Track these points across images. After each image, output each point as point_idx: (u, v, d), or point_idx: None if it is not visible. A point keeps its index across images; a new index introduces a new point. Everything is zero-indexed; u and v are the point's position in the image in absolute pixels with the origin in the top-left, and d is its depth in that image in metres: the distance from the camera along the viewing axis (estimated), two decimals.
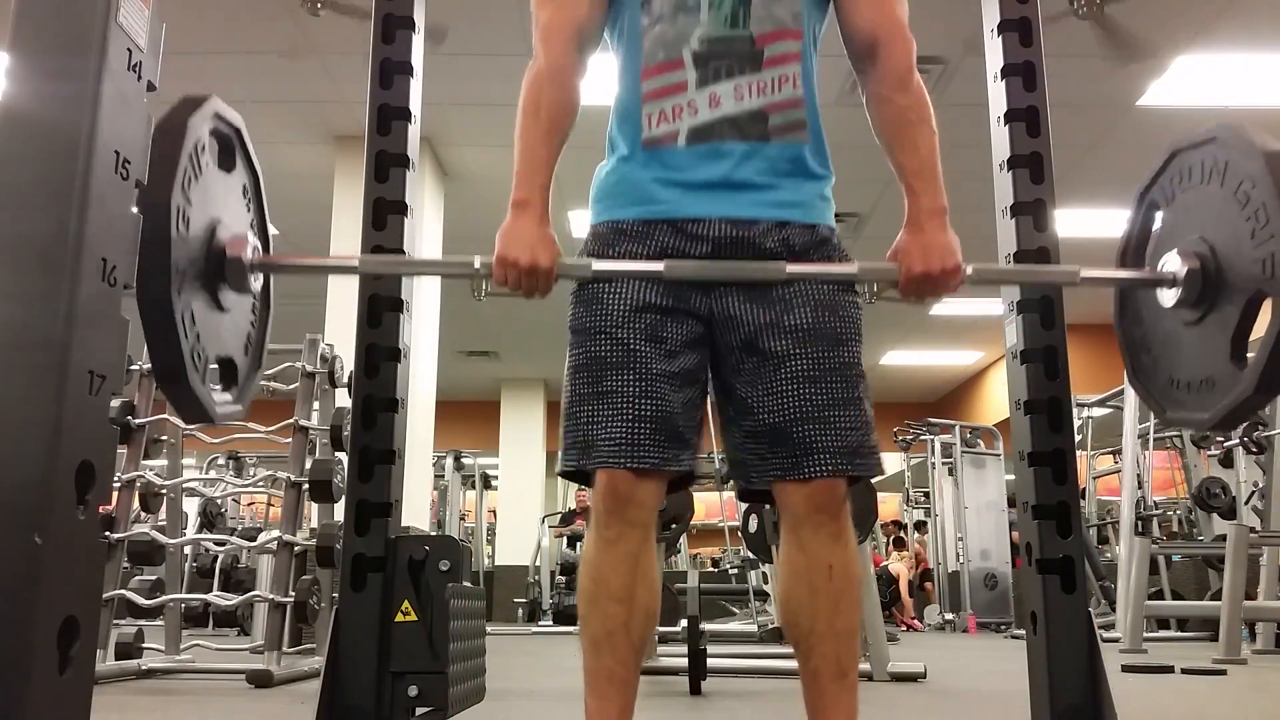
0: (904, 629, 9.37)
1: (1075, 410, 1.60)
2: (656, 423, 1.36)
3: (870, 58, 1.46)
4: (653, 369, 1.37)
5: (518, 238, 1.34)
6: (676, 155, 1.41)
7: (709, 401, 1.47)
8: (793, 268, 1.37)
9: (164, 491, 3.99)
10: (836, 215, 1.52)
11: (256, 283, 1.43)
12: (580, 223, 5.39)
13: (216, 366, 1.37)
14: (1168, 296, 1.45)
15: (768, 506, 4.01)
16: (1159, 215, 1.56)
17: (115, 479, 3.07)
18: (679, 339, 1.40)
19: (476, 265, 1.39)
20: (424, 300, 6.36)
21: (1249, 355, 1.35)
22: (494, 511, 12.66)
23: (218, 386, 1.39)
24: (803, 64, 1.43)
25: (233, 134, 1.45)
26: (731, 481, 1.51)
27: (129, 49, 1.12)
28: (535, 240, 1.34)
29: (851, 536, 1.39)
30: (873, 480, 1.57)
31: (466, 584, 1.71)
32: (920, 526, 11.66)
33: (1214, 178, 1.42)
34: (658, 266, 1.37)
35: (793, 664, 1.42)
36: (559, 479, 12.56)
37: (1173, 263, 1.44)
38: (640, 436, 1.35)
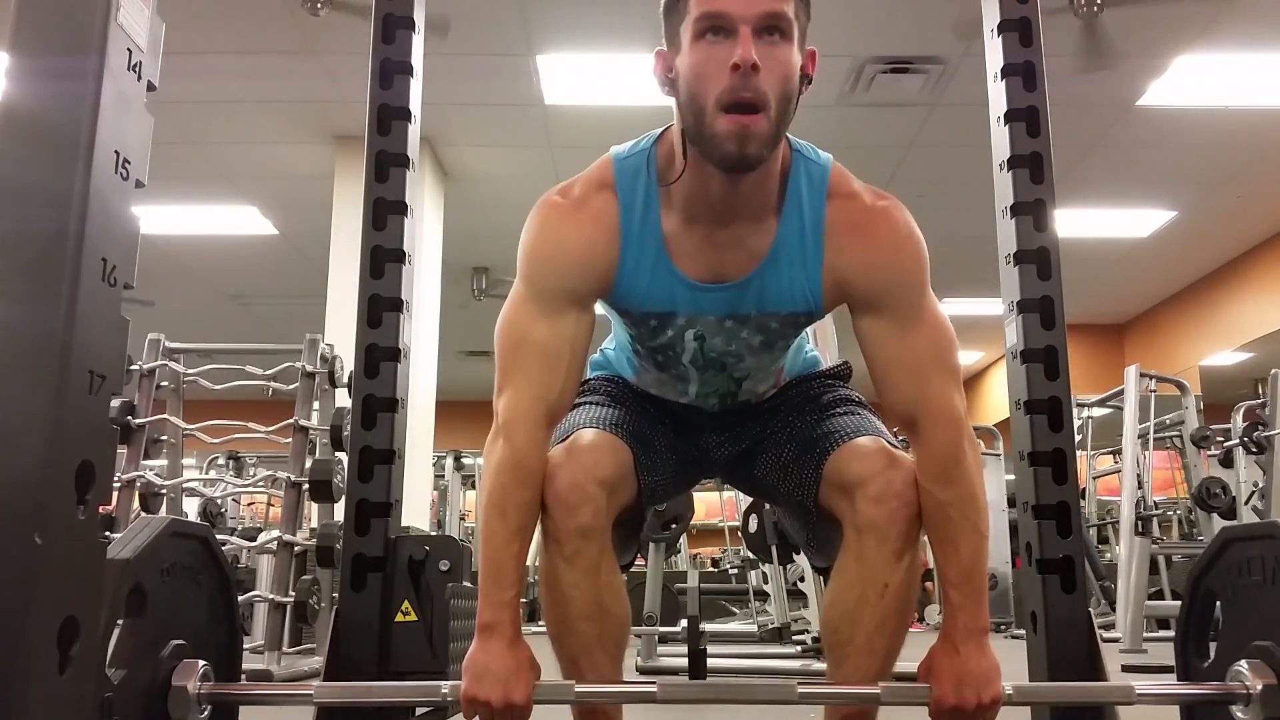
0: None
1: (1075, 410, 1.59)
2: (633, 430, 1.42)
3: (911, 434, 1.32)
4: (648, 432, 1.47)
5: (487, 671, 1.20)
6: (672, 403, 1.55)
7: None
8: (806, 689, 1.27)
9: (164, 491, 3.99)
10: None
11: (202, 715, 1.26)
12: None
13: None
14: (1244, 714, 1.28)
15: (767, 506, 4.01)
16: (1218, 610, 1.39)
17: (115, 479, 3.06)
18: (678, 440, 1.53)
19: (444, 691, 1.25)
20: (424, 300, 6.36)
21: None
22: None
23: None
24: (787, 366, 1.55)
25: (198, 545, 1.34)
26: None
27: (129, 49, 1.12)
28: (507, 672, 1.20)
29: (916, 564, 1.33)
30: None
31: (466, 584, 1.71)
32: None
33: (1274, 577, 1.28)
34: (650, 688, 1.28)
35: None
36: None
37: (1244, 675, 1.27)
38: (615, 419, 1.42)
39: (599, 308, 1.41)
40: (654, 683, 1.29)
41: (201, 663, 1.27)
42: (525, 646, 1.25)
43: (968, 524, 1.28)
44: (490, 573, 1.27)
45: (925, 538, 1.34)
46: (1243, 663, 1.27)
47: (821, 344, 3.95)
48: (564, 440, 1.35)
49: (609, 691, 1.35)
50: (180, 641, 1.27)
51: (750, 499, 4.54)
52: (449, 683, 1.26)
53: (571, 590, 1.31)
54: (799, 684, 1.27)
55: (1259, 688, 1.24)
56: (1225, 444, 7.14)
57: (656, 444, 1.46)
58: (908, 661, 1.35)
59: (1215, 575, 1.40)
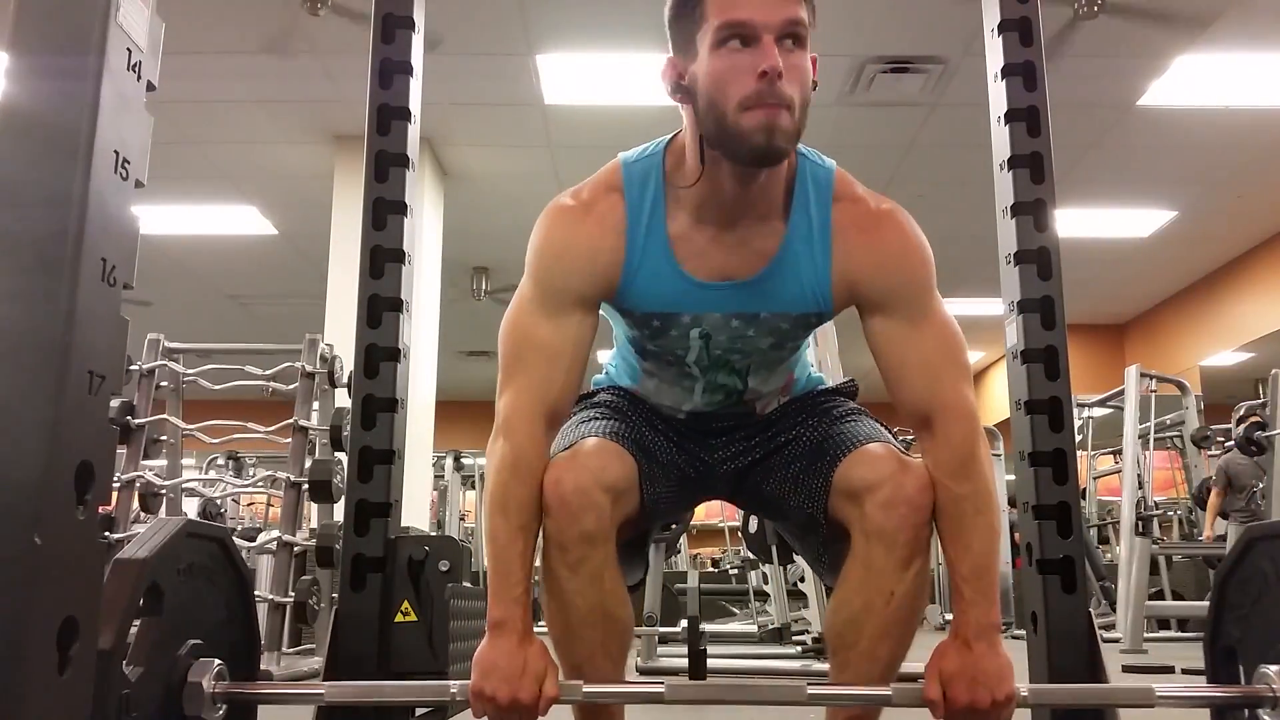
0: None
1: (1075, 410, 1.59)
2: (636, 440, 1.42)
3: (925, 432, 1.32)
4: (652, 444, 1.46)
5: (495, 668, 1.20)
6: (672, 415, 1.54)
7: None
8: (816, 690, 1.25)
9: (164, 491, 3.99)
10: None
11: (218, 713, 1.27)
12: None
13: None
14: (1270, 716, 1.24)
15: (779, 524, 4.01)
16: (1246, 611, 1.36)
17: (115, 479, 3.06)
18: (681, 454, 1.51)
19: (454, 690, 1.25)
20: (424, 300, 6.36)
21: None
22: None
23: None
24: (794, 376, 1.55)
25: (214, 547, 1.35)
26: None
27: (129, 49, 1.12)
28: (515, 670, 1.20)
29: (925, 571, 1.32)
30: None
31: (466, 584, 1.71)
32: None
33: None
34: (658, 689, 1.27)
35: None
36: None
37: (1272, 678, 1.24)
38: (619, 430, 1.41)
39: (603, 313, 1.41)
40: (661, 683, 1.28)
41: (217, 661, 1.27)
42: (538, 643, 1.25)
43: (981, 519, 1.28)
44: (498, 571, 1.27)
45: (936, 539, 1.34)
46: (1270, 666, 1.24)
47: (822, 346, 3.95)
48: (567, 449, 1.34)
49: (617, 692, 1.35)
50: (197, 641, 1.27)
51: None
52: (458, 682, 1.27)
53: (575, 597, 1.30)
54: (809, 684, 1.26)
55: None
56: (1225, 444, 7.14)
57: (660, 457, 1.45)
58: (914, 662, 1.34)
59: (1240, 575, 1.37)
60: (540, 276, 1.34)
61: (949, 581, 1.30)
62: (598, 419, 1.46)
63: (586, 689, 1.27)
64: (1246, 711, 1.31)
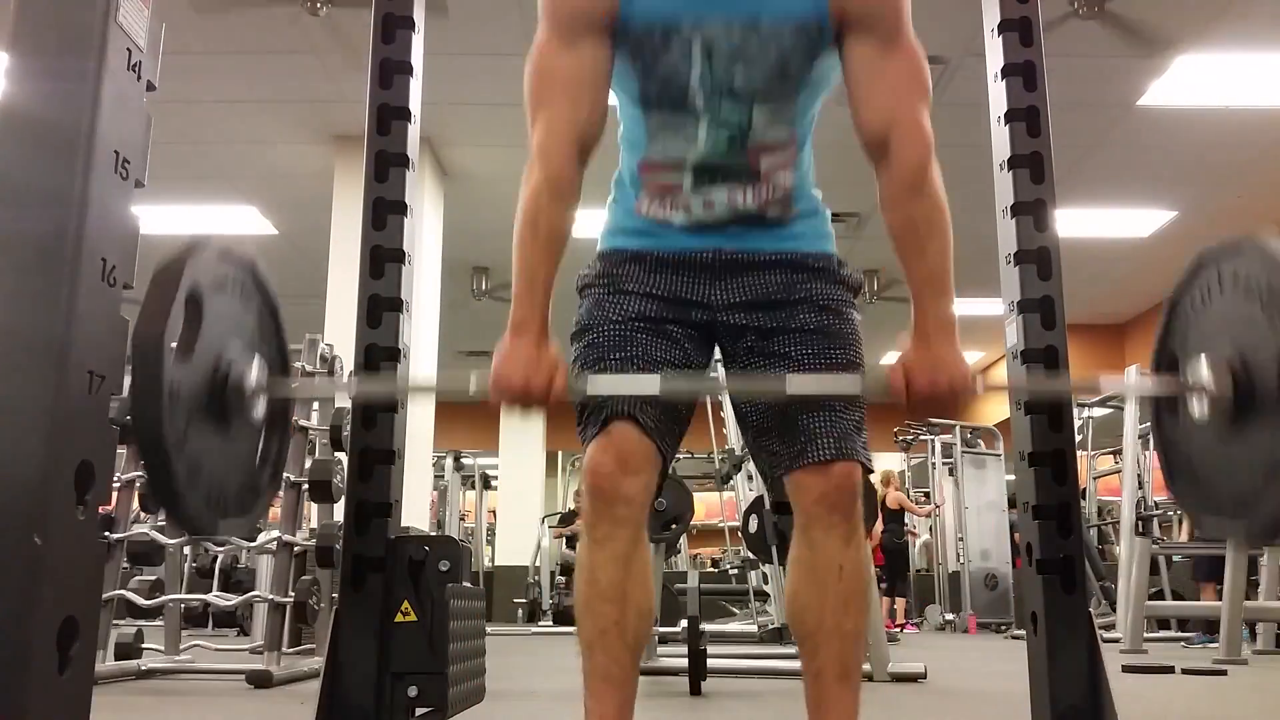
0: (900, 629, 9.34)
1: (1075, 410, 1.59)
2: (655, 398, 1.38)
3: (882, 154, 1.36)
4: (654, 355, 1.41)
5: (513, 359, 1.31)
6: (671, 235, 1.47)
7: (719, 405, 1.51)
8: (795, 380, 1.33)
9: None
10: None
11: (259, 409, 1.38)
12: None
13: (219, 489, 1.32)
14: (1198, 407, 1.38)
15: (767, 507, 4.02)
16: (1190, 325, 1.48)
17: (115, 479, 3.07)
18: (681, 336, 1.44)
19: (472, 387, 1.35)
20: (424, 300, 6.36)
21: None
22: (494, 511, 12.66)
23: (224, 510, 1.34)
24: (799, 155, 1.46)
25: (243, 272, 1.42)
26: (761, 495, 1.52)
27: (129, 49, 1.12)
28: (531, 362, 1.30)
29: (863, 540, 1.39)
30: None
31: (466, 584, 1.71)
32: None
33: (1243, 290, 1.36)
34: (652, 378, 1.35)
35: (793, 664, 1.43)
36: (557, 478, 12.43)
37: (1202, 373, 1.37)
38: (640, 400, 1.37)
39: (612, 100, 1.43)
40: (656, 378, 1.35)
41: (258, 359, 1.38)
42: (553, 345, 1.33)
43: (935, 229, 1.34)
44: (523, 280, 1.35)
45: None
46: (1201, 361, 1.37)
47: None
48: (602, 429, 1.37)
49: (618, 380, 1.38)
50: (238, 342, 1.37)
51: (750, 500, 4.54)
52: (475, 374, 1.35)
53: (597, 571, 1.36)
54: (789, 381, 1.33)
55: (1214, 383, 1.34)
56: None
57: (676, 359, 1.44)
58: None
59: (1189, 296, 1.48)
60: (550, 10, 1.38)
61: (909, 289, 1.35)
62: (623, 353, 1.42)
63: (592, 380, 1.35)
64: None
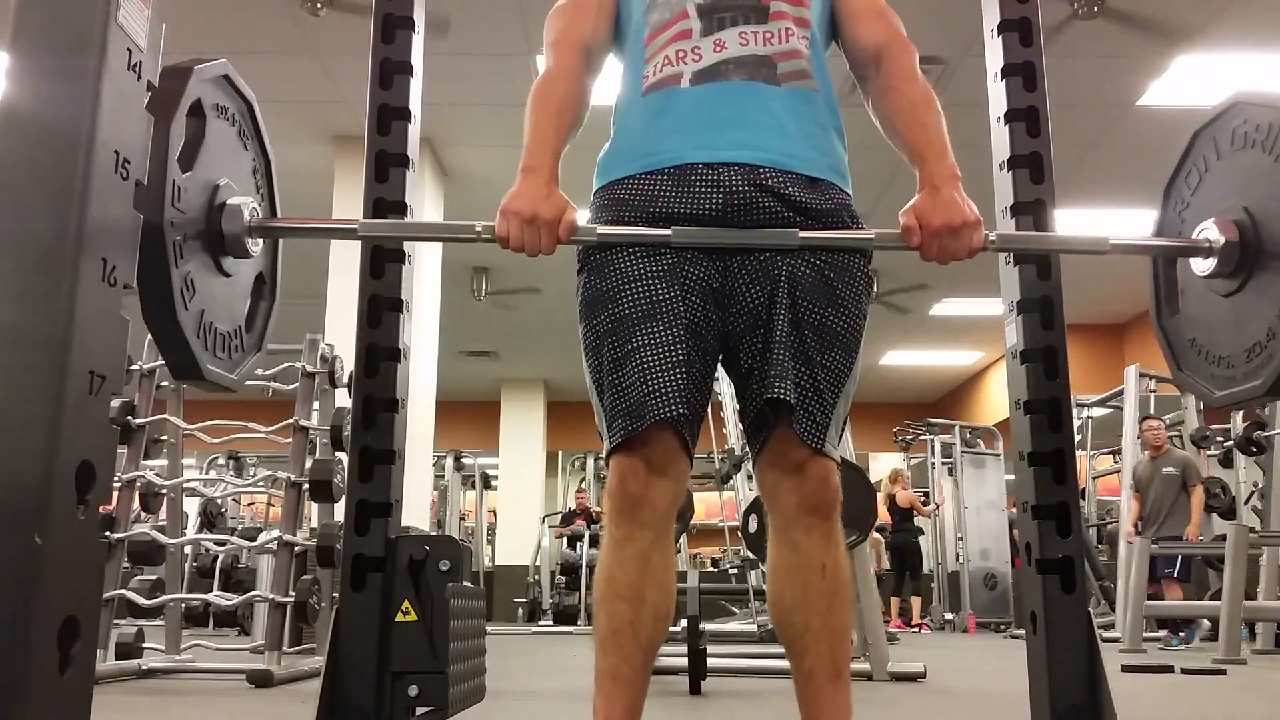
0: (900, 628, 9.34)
1: (1075, 410, 1.59)
2: (687, 370, 1.35)
3: (875, 64, 1.49)
4: (679, 314, 1.36)
5: (522, 194, 1.33)
6: (680, 97, 1.43)
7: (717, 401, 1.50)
8: (806, 235, 1.36)
9: (164, 491, 3.99)
10: None
11: (256, 247, 1.44)
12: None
13: (211, 327, 1.37)
14: (1204, 266, 1.38)
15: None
16: (1191, 194, 1.49)
17: (115, 479, 3.07)
18: (697, 286, 1.39)
19: (478, 229, 1.39)
20: (424, 300, 6.36)
21: None
22: (494, 511, 12.66)
23: (210, 347, 1.38)
24: (810, 39, 1.47)
25: (243, 107, 1.47)
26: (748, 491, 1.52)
27: (129, 49, 1.12)
28: (540, 196, 1.32)
29: (841, 538, 1.40)
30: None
31: (466, 584, 1.71)
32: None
33: (1243, 143, 1.38)
34: (665, 232, 1.36)
35: None
36: (557, 478, 12.42)
37: (1209, 230, 1.36)
38: (680, 383, 1.32)
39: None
40: (669, 229, 1.37)
41: (250, 199, 1.41)
42: (560, 194, 1.35)
43: (931, 105, 1.43)
44: (535, 136, 1.39)
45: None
46: (1210, 220, 1.36)
47: None
48: (629, 434, 1.33)
49: (625, 233, 1.39)
50: (228, 181, 1.39)
51: (750, 500, 4.54)
52: (481, 222, 1.38)
53: (615, 570, 1.36)
54: (799, 232, 1.36)
55: (1221, 239, 1.33)
56: (1225, 444, 7.14)
57: (694, 371, 1.37)
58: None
59: (1212, 133, 1.48)
60: None
61: (909, 157, 1.41)
62: (647, 348, 1.35)
63: (600, 230, 1.37)
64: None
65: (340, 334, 4.81)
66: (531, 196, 1.32)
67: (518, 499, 11.89)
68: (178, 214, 1.25)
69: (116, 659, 3.56)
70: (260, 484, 5.34)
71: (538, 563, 10.11)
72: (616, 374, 1.36)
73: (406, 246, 1.73)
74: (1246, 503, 7.18)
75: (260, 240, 1.46)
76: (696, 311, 1.38)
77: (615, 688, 1.35)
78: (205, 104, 1.33)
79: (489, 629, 2.12)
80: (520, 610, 10.48)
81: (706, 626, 3.88)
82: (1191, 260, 1.41)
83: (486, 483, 12.52)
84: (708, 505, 10.47)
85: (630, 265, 1.39)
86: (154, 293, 1.22)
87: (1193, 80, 5.48)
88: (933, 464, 10.09)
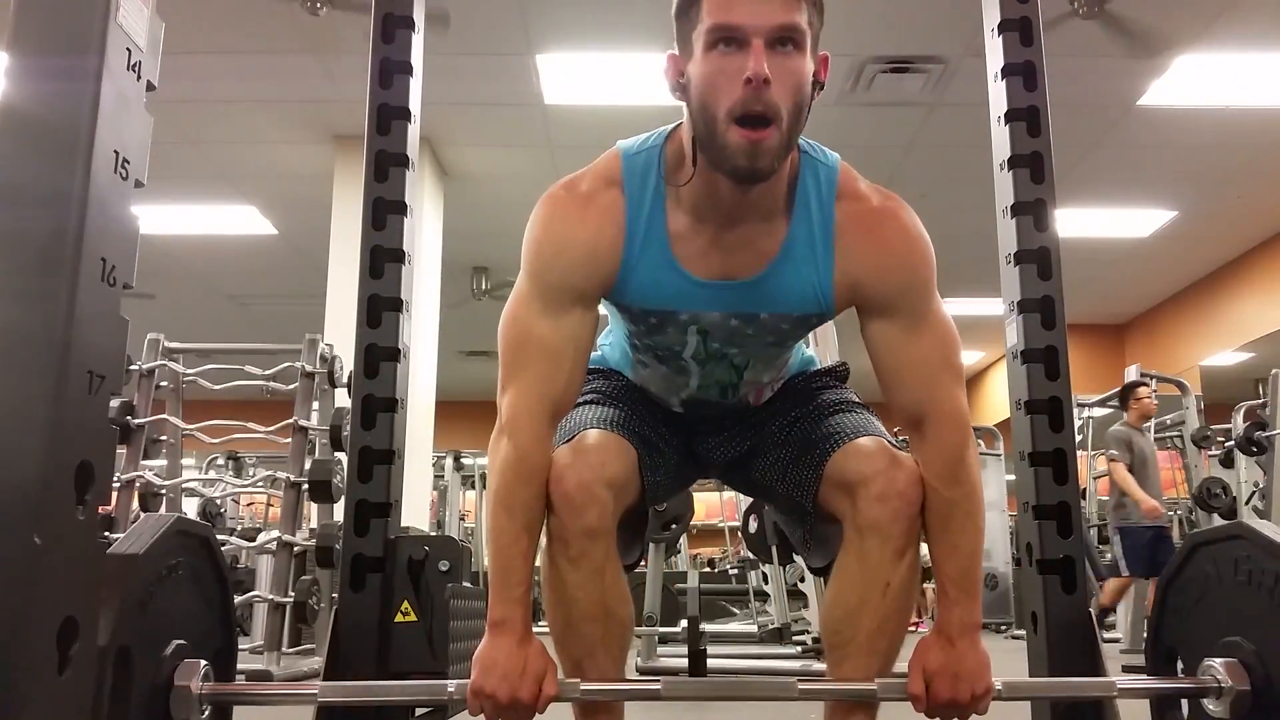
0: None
1: (1075, 410, 1.59)
2: (635, 429, 1.42)
3: (917, 434, 1.34)
4: (643, 419, 1.46)
5: (495, 665, 1.21)
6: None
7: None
8: (806, 686, 1.29)
9: (163, 491, 3.99)
10: None
11: (203, 715, 1.26)
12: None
13: None
14: (1215, 706, 1.32)
15: (768, 507, 4.01)
16: (1188, 611, 1.43)
17: (115, 479, 3.06)
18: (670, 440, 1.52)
19: (450, 690, 1.25)
20: (424, 300, 6.36)
21: None
22: None
23: None
24: (788, 362, 1.55)
25: (198, 544, 1.34)
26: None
27: (129, 49, 1.12)
28: (515, 669, 1.20)
29: (917, 562, 1.34)
30: None
31: (466, 584, 1.71)
32: None
33: (1244, 576, 1.32)
34: (655, 685, 1.28)
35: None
36: None
37: (1215, 669, 1.31)
38: (618, 419, 1.40)
39: (601, 308, 1.41)
40: (658, 680, 1.30)
41: (203, 662, 1.27)
42: (537, 643, 1.25)
43: (970, 522, 1.31)
44: (499, 570, 1.27)
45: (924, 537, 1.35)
46: (1215, 659, 1.32)
47: (821, 345, 3.95)
48: (569, 440, 1.34)
49: (615, 689, 1.36)
50: (182, 641, 1.26)
51: (750, 499, 4.54)
52: (455, 682, 1.27)
53: (576, 591, 1.31)
54: (799, 681, 1.29)
55: (1229, 682, 1.29)
56: (1225, 444, 7.13)
57: (658, 444, 1.46)
58: (902, 651, 1.36)
59: (1184, 578, 1.45)
60: (538, 273, 1.32)
61: (935, 579, 1.33)
62: (596, 404, 1.46)
63: (585, 687, 1.28)
64: (1185, 705, 1.41)
65: (340, 334, 4.81)
66: (506, 672, 1.20)
67: None
68: (117, 689, 1.11)
69: None
70: (259, 484, 5.34)
71: (537, 563, 10.09)
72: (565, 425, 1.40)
73: (406, 247, 1.73)
74: (1247, 503, 7.17)
75: (209, 707, 1.29)
76: (663, 437, 1.50)
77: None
78: (151, 580, 1.19)
79: None
80: (530, 607, 10.46)
81: (706, 626, 3.88)
82: (1202, 701, 1.35)
83: (486, 483, 12.52)
84: (708, 505, 10.46)
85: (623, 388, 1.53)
86: None
87: (1193, 80, 5.48)
88: None
